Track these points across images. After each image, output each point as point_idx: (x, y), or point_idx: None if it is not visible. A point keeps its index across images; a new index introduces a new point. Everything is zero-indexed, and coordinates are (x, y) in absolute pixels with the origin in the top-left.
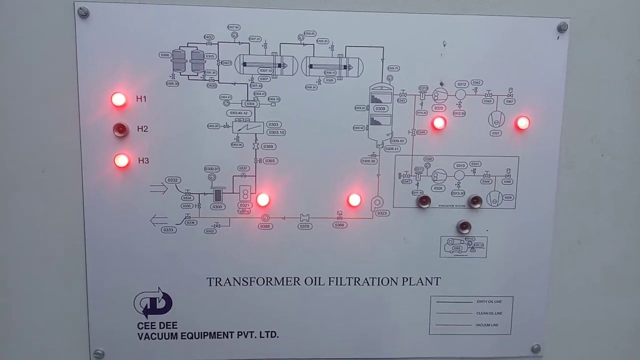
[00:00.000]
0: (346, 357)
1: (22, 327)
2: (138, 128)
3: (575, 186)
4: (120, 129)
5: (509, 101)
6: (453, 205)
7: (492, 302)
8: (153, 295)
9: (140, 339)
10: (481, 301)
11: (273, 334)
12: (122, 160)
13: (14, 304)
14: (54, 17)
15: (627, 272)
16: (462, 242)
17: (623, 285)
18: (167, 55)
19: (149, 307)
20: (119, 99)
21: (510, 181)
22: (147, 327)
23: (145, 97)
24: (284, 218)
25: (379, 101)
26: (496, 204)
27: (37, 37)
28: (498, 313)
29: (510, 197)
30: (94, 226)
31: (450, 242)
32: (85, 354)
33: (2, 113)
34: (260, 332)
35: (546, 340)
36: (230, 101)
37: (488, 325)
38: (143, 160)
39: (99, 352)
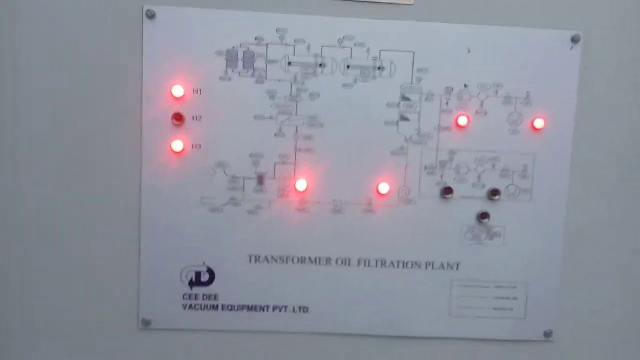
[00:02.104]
0: (372, 334)
1: (78, 296)
2: (193, 117)
3: (586, 182)
4: (178, 118)
5: (527, 103)
6: (474, 197)
7: (508, 287)
8: (198, 269)
9: (185, 309)
10: (498, 287)
11: (305, 309)
12: (177, 146)
13: (70, 276)
14: (125, 17)
15: (636, 262)
16: (481, 231)
17: (633, 275)
18: (222, 54)
19: (194, 280)
20: (178, 91)
21: (527, 176)
22: (191, 298)
23: (201, 90)
24: (319, 203)
25: (409, 100)
26: (514, 197)
27: (109, 36)
28: (514, 298)
29: (527, 191)
30: (149, 204)
31: (470, 230)
32: (134, 322)
33: (75, 103)
34: (294, 307)
35: (558, 325)
36: (276, 96)
37: (504, 309)
38: (196, 146)
39: (147, 320)
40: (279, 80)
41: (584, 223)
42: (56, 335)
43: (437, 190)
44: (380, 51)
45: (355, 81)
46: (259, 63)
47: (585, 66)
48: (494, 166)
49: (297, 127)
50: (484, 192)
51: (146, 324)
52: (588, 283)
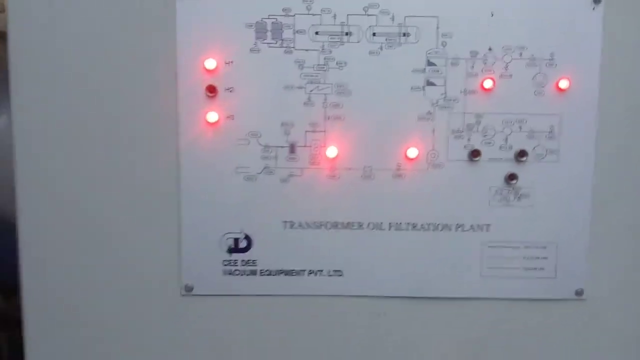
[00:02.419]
0: (404, 295)
1: (121, 266)
2: (225, 89)
3: (613, 141)
4: (211, 89)
5: (551, 65)
6: (501, 159)
7: (537, 247)
8: (236, 236)
9: (224, 275)
10: (528, 247)
11: (339, 273)
12: (212, 117)
13: (113, 247)
14: None
15: None
16: (510, 192)
17: None
18: (251, 26)
19: (232, 246)
20: (210, 64)
21: (553, 137)
22: (230, 264)
23: (232, 62)
24: (349, 169)
25: (434, 65)
26: (541, 158)
27: (143, 13)
28: (543, 258)
29: (554, 152)
30: (187, 175)
31: (499, 192)
32: (177, 288)
33: (110, 81)
34: (328, 271)
35: (588, 284)
36: (304, 65)
37: (534, 269)
38: (229, 117)
39: (189, 285)
40: (307, 50)
41: (611, 181)
42: (101, 304)
43: (464, 153)
44: (404, 17)
45: (381, 48)
46: (287, 34)
47: (608, 26)
48: (520, 128)
49: (325, 96)
50: (511, 154)
51: (189, 289)
52: (617, 241)
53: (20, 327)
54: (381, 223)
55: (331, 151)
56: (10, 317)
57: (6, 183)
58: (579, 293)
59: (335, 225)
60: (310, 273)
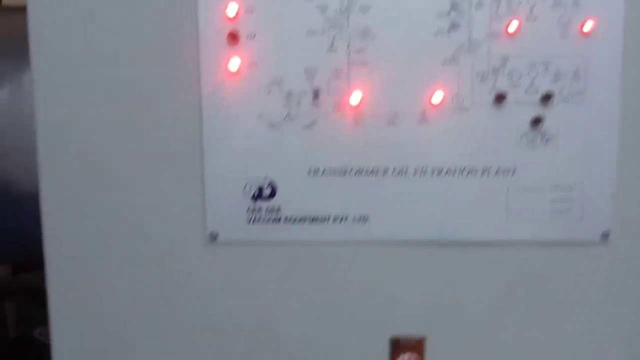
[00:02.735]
0: (430, 239)
1: (145, 213)
2: (247, 36)
3: (639, 81)
4: (233, 37)
5: (576, 6)
6: (527, 102)
7: (564, 190)
8: (260, 184)
9: (249, 223)
10: (554, 189)
11: (364, 219)
12: (234, 65)
13: (136, 194)
14: None
15: None
16: (535, 135)
17: None
18: None
19: (256, 194)
20: (231, 10)
21: (579, 79)
22: (254, 212)
23: (253, 8)
24: (373, 115)
25: (459, 8)
26: (566, 100)
27: None
28: (570, 200)
29: (580, 93)
30: (210, 122)
31: (525, 135)
32: (202, 235)
33: (130, 31)
34: (353, 217)
35: (615, 226)
36: (326, 10)
37: (560, 212)
38: (251, 64)
39: (214, 233)
40: None
41: (637, 122)
42: (125, 253)
43: (490, 97)
44: None
45: None
46: None
47: None
48: (546, 70)
49: (348, 41)
50: (536, 97)
51: (213, 237)
52: None
53: (28, 299)
54: (406, 168)
55: (355, 97)
56: (18, 289)
57: (10, 151)
58: (605, 235)
59: (359, 171)
60: (335, 220)
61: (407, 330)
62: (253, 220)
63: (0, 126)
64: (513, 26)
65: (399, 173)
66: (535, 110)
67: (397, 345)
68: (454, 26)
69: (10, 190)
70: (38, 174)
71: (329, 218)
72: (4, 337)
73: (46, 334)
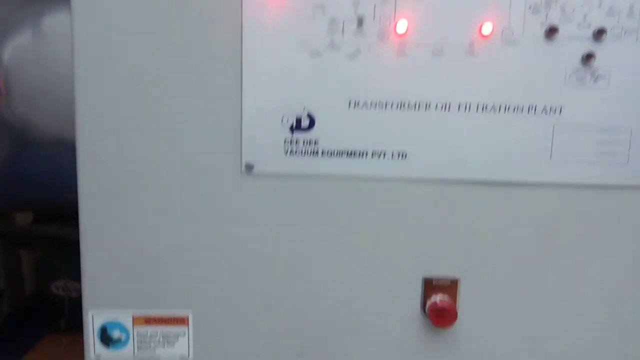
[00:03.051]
0: (471, 179)
1: (182, 142)
2: None
3: None
4: None
5: None
6: (579, 37)
7: (611, 132)
8: (298, 114)
9: (286, 154)
10: (601, 131)
11: (404, 155)
12: None
13: (174, 122)
14: None
15: None
16: (586, 72)
17: None
18: None
19: (294, 125)
20: None
21: (633, 15)
22: (292, 143)
23: None
24: (419, 45)
25: None
26: (620, 38)
27: None
28: (616, 143)
29: (633, 31)
30: (250, 49)
31: (574, 72)
32: (237, 166)
33: None
34: (392, 152)
35: None
36: None
37: (606, 154)
38: None
39: (250, 164)
40: None
41: None
42: (161, 183)
43: (541, 31)
44: None
45: None
46: None
47: None
48: (599, 5)
49: None
50: (589, 32)
51: (249, 168)
52: None
53: (47, 247)
54: (450, 104)
55: (401, 25)
56: (37, 238)
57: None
58: None
59: (401, 105)
60: (374, 155)
61: (441, 271)
62: (290, 152)
63: (22, 72)
64: None
65: (442, 108)
66: (587, 46)
67: (430, 286)
68: None
69: (33, 137)
70: (75, 101)
71: (367, 153)
72: (20, 293)
73: (64, 288)
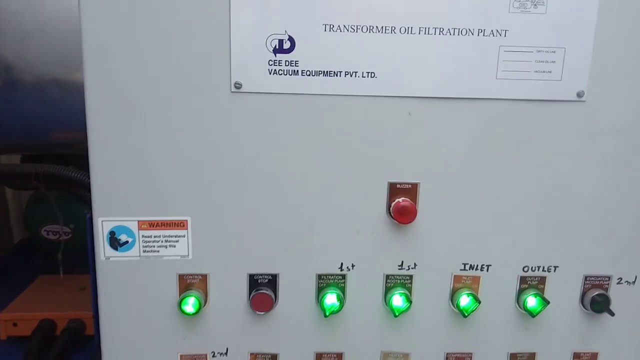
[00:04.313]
0: (429, 96)
1: (178, 63)
2: None
3: None
4: None
5: None
6: None
7: (548, 52)
8: (281, 37)
9: (270, 74)
10: (540, 51)
11: (372, 74)
12: None
13: (171, 44)
14: None
15: None
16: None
17: None
18: None
19: (277, 47)
20: None
21: None
22: (275, 64)
23: None
24: None
25: None
26: None
27: None
28: (552, 62)
29: None
30: None
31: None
32: (227, 85)
33: None
34: (362, 72)
35: (590, 87)
36: None
37: (543, 72)
38: None
39: (238, 83)
40: None
41: None
42: (160, 100)
43: None
44: None
45: None
46: None
47: None
48: None
49: None
50: None
51: (238, 86)
52: (619, 50)
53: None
54: (411, 27)
55: None
56: (25, 176)
57: (28, 35)
58: (580, 95)
59: (370, 29)
60: (347, 74)
61: (404, 176)
62: (273, 72)
63: (18, 9)
64: None
65: (405, 31)
66: None
67: (394, 189)
68: None
69: (28, 76)
70: (79, 21)
71: (340, 73)
72: (8, 240)
73: (53, 232)
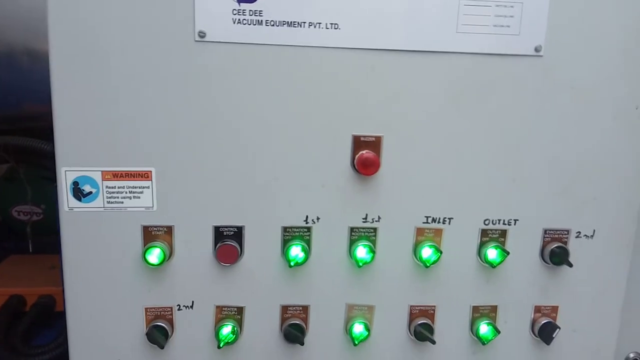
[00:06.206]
0: (393, 49)
1: (143, 12)
2: None
3: None
4: None
5: None
6: None
7: (506, 6)
8: None
9: (234, 23)
10: (498, 5)
11: (335, 26)
12: None
13: None
14: None
15: None
16: None
17: None
18: None
19: None
20: None
21: None
22: (239, 13)
23: None
24: None
25: None
26: None
27: None
28: (510, 16)
29: None
30: None
31: None
32: (191, 34)
33: None
34: (326, 23)
35: (547, 42)
36: None
37: (502, 26)
38: None
39: (202, 32)
40: None
41: None
42: (125, 51)
43: None
44: None
45: None
46: None
47: None
48: None
49: None
50: None
51: (202, 35)
52: (576, 6)
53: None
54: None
55: None
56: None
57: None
58: (538, 49)
59: None
60: (310, 25)
61: (367, 129)
62: (238, 22)
63: None
64: None
65: None
66: None
67: (358, 142)
68: None
69: None
70: None
71: (304, 23)
72: None
73: (24, 212)
